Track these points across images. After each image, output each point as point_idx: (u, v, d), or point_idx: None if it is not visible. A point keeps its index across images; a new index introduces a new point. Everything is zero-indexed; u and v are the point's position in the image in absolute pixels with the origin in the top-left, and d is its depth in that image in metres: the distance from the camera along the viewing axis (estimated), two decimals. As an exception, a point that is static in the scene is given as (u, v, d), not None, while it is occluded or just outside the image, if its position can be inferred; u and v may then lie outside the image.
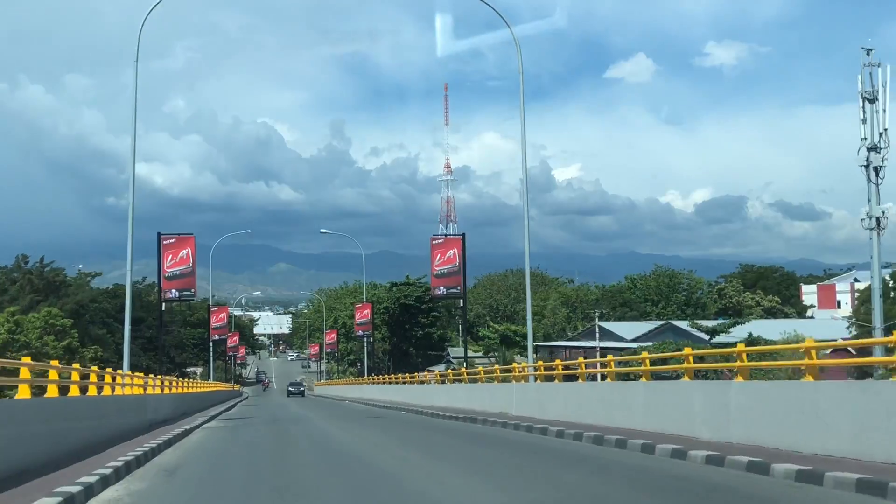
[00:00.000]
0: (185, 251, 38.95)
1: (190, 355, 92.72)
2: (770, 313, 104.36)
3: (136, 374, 23.62)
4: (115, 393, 20.05)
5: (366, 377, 63.38)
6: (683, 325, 75.13)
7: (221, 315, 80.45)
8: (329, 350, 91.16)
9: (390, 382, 51.40)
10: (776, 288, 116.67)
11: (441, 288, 42.43)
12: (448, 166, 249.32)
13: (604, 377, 25.33)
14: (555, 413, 20.99)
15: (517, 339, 77.12)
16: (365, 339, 70.20)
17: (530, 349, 28.62)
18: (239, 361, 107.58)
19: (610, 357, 22.42)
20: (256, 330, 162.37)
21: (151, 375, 28.89)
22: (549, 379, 24.08)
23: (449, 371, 39.25)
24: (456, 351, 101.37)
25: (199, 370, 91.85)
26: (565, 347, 78.97)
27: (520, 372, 26.26)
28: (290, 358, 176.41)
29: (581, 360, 23.64)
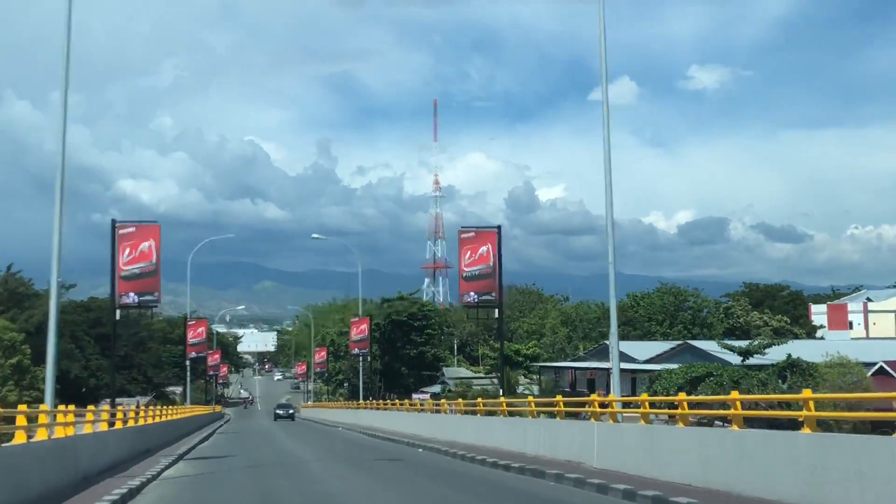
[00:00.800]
0: (146, 244, 29.15)
1: (169, 375, 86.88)
2: (779, 334, 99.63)
3: (66, 407, 17.01)
4: (35, 438, 14.18)
5: (361, 401, 57.70)
6: (702, 344, 70.22)
7: (200, 330, 72.50)
8: (318, 369, 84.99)
9: (388, 408, 45.99)
10: (783, 307, 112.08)
11: (472, 294, 32.28)
12: (437, 182, 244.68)
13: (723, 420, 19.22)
14: (678, 471, 14.53)
15: (519, 359, 71.84)
16: (361, 358, 64.21)
17: (616, 377, 22.35)
18: (221, 381, 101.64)
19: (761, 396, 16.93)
20: (240, 348, 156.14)
21: (92, 408, 23.23)
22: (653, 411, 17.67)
23: (478, 400, 33.08)
24: (452, 371, 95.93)
25: (179, 390, 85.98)
26: (572, 369, 73.80)
27: (601, 407, 18.95)
28: (276, 378, 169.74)
29: (735, 394, 14.40)
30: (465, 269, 31.59)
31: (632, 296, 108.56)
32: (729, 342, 57.08)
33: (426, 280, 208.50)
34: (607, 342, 77.27)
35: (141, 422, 27.49)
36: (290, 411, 72.32)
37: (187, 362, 67.17)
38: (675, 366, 53.31)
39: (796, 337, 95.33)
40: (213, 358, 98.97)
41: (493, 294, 32.01)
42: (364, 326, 62.13)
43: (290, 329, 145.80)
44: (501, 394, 31.61)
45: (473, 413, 29.38)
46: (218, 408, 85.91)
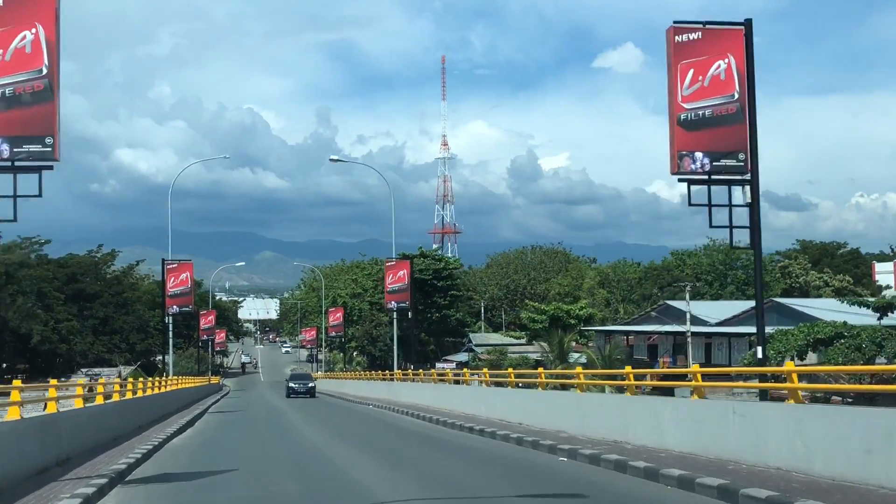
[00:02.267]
0: (184, 274, 46.19)
1: (156, 341, 76.07)
2: (841, 295, 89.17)
3: None
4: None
5: (397, 370, 46.67)
6: (790, 302, 59.50)
7: (184, 276, 48.55)
8: (334, 333, 72.81)
9: (428, 380, 35.11)
10: (843, 266, 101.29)
11: (698, 157, 16.77)
12: (445, 143, 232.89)
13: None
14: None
15: (571, 321, 60.99)
16: (395, 316, 51.15)
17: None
18: (218, 348, 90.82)
19: None
20: (241, 314, 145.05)
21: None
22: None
23: (579, 369, 22.25)
24: (479, 337, 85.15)
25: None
26: (625, 333, 63.01)
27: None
28: (284, 350, 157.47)
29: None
30: (684, 105, 16.81)
31: (676, 254, 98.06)
32: (864, 298, 46.72)
33: (434, 247, 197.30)
34: (669, 303, 66.60)
35: (78, 403, 16.63)
36: (310, 385, 50.83)
37: (168, 319, 47.45)
38: (750, 329, 43.06)
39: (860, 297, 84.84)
40: (207, 320, 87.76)
41: (742, 156, 17.18)
42: (404, 272, 49.36)
43: (297, 292, 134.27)
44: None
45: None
46: (215, 379, 75.25)
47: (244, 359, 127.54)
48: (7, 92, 13.27)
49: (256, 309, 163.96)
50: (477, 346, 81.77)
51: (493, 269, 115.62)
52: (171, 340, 47.07)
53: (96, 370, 59.76)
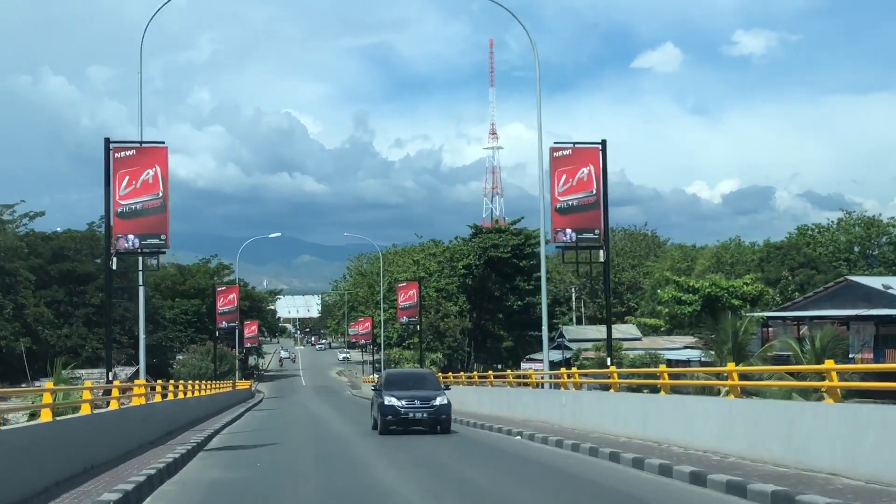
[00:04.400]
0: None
1: (179, 334, 60.80)
2: None
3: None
4: None
5: (508, 372, 30.59)
6: None
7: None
8: (406, 318, 53.00)
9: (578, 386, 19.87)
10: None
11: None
12: (493, 132, 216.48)
13: None
14: None
15: (734, 301, 43.99)
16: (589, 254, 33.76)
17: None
18: (249, 344, 75.03)
19: None
20: (278, 313, 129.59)
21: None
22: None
23: None
24: (572, 331, 68.32)
25: (182, 358, 59.44)
26: (818, 318, 45.70)
27: None
28: (319, 347, 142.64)
29: None
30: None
31: (803, 229, 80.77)
32: None
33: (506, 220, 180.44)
34: (855, 279, 49.52)
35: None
36: (438, 403, 20.54)
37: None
38: None
39: None
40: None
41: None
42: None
43: (343, 284, 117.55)
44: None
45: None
46: (244, 384, 59.56)
47: (283, 353, 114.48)
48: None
49: (296, 307, 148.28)
50: (571, 341, 65.12)
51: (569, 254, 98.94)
52: (215, 350, 31.33)
53: (88, 372, 44.15)
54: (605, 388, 22.74)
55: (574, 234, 23.01)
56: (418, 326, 47.42)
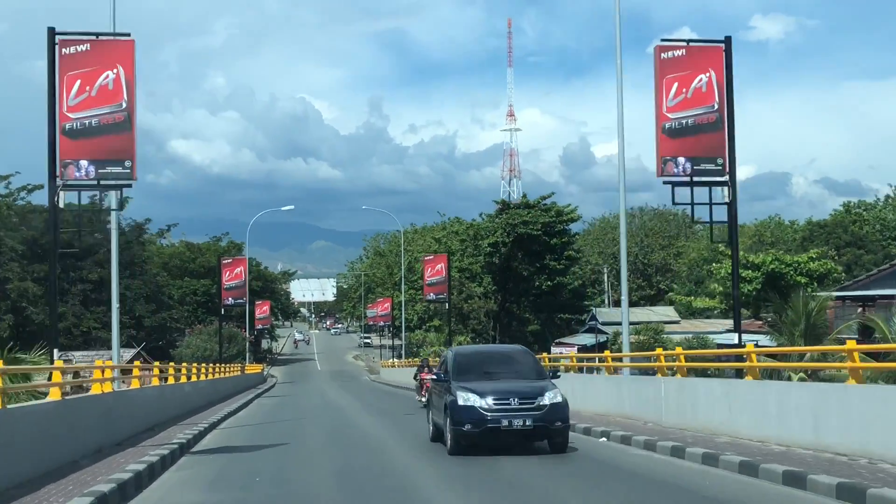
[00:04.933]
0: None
1: (187, 315, 56.87)
2: None
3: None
4: None
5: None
6: None
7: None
8: (433, 296, 47.00)
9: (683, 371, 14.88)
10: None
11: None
12: (511, 113, 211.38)
13: None
14: None
15: (799, 278, 39.42)
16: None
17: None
18: (260, 326, 70.81)
19: None
20: (292, 296, 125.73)
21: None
22: None
23: None
24: (604, 313, 63.97)
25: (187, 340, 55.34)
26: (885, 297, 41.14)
27: None
28: (333, 331, 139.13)
29: None
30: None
31: (849, 206, 75.98)
32: None
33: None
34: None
35: None
36: (549, 401, 12.46)
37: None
38: None
39: None
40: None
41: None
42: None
43: (360, 264, 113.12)
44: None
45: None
46: (255, 367, 55.67)
47: (297, 336, 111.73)
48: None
49: (311, 290, 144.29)
50: (604, 324, 60.82)
51: (595, 233, 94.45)
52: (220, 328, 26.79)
53: (83, 354, 40.30)
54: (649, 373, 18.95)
55: (689, 165, 17.59)
56: (447, 305, 43.01)
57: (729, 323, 55.27)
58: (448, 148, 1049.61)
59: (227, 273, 50.74)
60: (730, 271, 46.38)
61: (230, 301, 49.43)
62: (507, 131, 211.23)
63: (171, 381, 22.89)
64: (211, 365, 32.62)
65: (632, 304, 78.81)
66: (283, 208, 62.29)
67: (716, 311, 46.67)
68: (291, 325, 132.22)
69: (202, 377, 27.31)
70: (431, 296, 41.74)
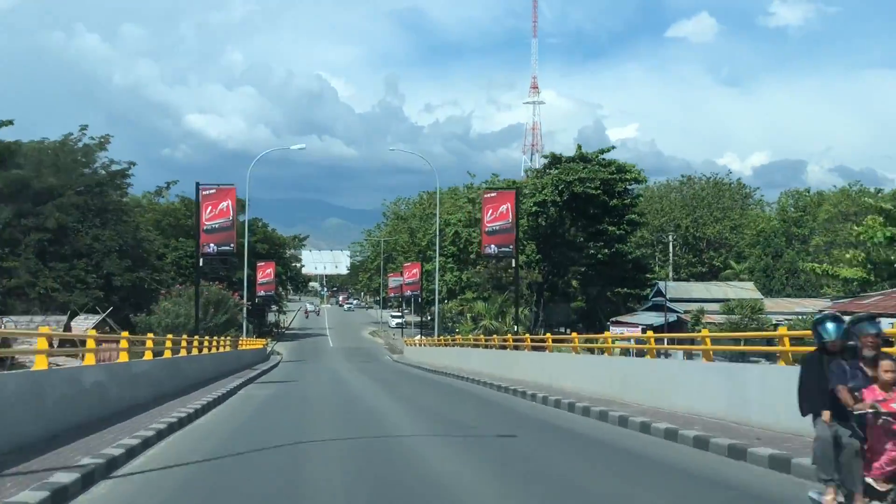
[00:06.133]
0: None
1: (170, 276, 47.49)
2: None
3: None
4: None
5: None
6: None
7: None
8: (495, 248, 36.99)
9: None
10: None
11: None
12: (535, 86, 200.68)
13: None
14: None
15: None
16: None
17: None
18: (263, 291, 60.73)
19: None
20: (305, 269, 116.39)
21: None
22: None
23: None
24: (674, 289, 54.07)
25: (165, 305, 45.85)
26: None
27: None
28: (347, 307, 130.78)
29: None
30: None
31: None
32: None
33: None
34: None
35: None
36: None
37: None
38: None
39: None
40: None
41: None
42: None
43: (379, 231, 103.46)
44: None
45: None
46: (258, 342, 46.27)
47: (309, 307, 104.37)
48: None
49: (323, 262, 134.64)
50: (675, 300, 51.06)
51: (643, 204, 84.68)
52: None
53: (42, 319, 30.86)
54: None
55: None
56: (513, 262, 33.15)
57: (812, 303, 45.48)
58: (463, 128, 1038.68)
59: (210, 208, 32.89)
60: (887, 235, 36.56)
61: (212, 248, 32.81)
62: (531, 104, 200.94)
63: (88, 359, 13.47)
64: (183, 338, 23.07)
65: (697, 276, 68.54)
66: (293, 147, 52.33)
67: (855, 283, 36.83)
68: (300, 300, 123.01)
69: (164, 354, 17.81)
70: (492, 248, 32.04)
